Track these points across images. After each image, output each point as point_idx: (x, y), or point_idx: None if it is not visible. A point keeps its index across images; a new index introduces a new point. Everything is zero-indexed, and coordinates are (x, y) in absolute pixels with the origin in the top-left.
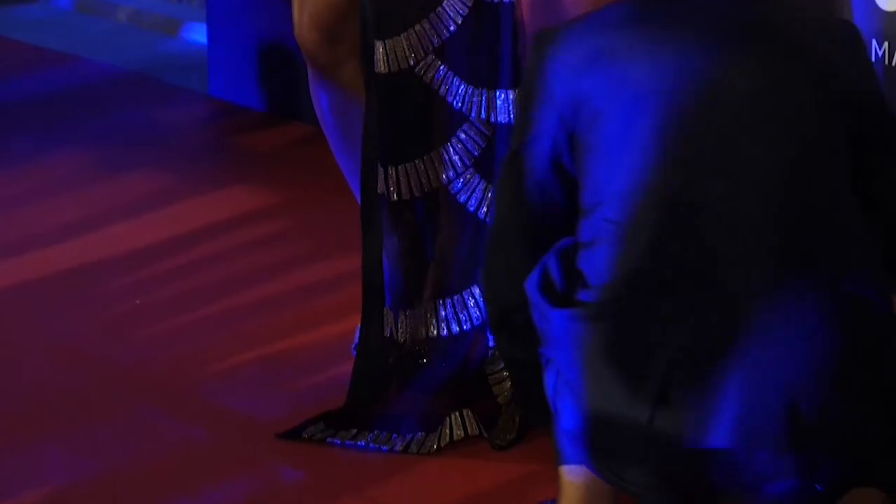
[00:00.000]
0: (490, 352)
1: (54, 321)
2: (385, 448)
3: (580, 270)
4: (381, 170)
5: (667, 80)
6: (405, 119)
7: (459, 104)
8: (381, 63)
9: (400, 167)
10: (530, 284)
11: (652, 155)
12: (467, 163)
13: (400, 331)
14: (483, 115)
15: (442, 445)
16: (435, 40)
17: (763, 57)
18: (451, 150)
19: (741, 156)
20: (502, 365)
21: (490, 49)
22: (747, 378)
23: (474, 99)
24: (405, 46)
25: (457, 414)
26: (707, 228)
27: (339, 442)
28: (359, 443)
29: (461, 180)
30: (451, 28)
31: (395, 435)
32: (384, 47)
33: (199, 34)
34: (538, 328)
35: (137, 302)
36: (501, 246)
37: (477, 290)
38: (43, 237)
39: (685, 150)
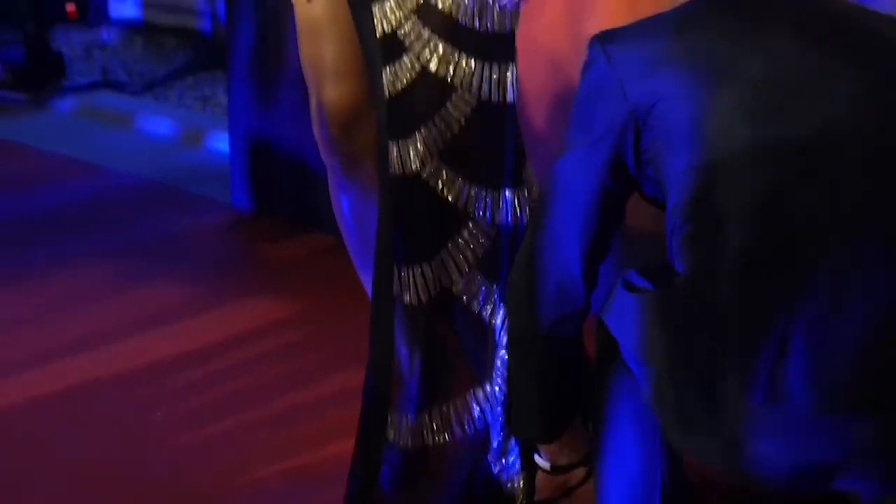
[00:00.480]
0: (493, 454)
1: (71, 436)
2: None
3: (670, 264)
4: (395, 271)
5: (750, 76)
6: (417, 221)
7: (464, 204)
8: (396, 164)
9: (413, 268)
10: (620, 285)
11: (737, 147)
12: (471, 262)
13: (403, 434)
14: (488, 215)
15: None
16: (441, 144)
17: (858, 57)
18: (456, 251)
19: (835, 149)
20: (513, 462)
21: (494, 149)
22: (859, 344)
23: (478, 200)
24: (415, 149)
25: None
26: (801, 212)
27: None
28: None
29: (464, 281)
30: (455, 130)
31: None
32: (398, 148)
33: (222, 143)
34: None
35: (158, 415)
36: (553, 256)
37: (480, 394)
38: (62, 349)
39: (772, 144)
